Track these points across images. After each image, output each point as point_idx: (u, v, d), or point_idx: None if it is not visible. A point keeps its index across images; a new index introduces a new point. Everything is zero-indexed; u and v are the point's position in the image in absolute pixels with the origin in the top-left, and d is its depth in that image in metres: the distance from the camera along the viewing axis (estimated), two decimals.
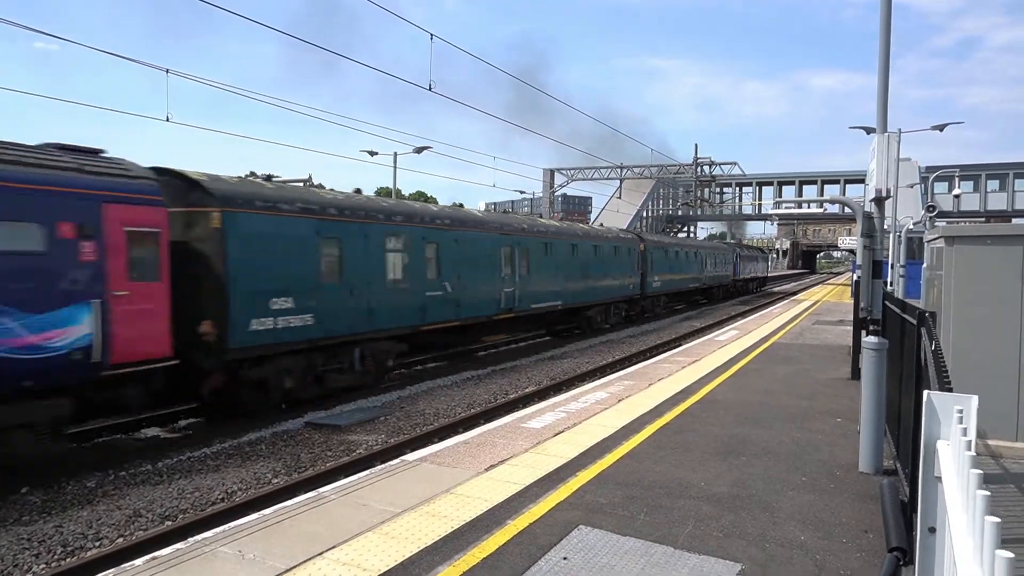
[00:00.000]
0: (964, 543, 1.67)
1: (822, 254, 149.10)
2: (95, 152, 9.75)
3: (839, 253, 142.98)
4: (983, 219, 49.40)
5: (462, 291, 16.79)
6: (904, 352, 6.30)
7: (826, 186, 63.08)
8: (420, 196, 72.72)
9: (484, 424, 9.71)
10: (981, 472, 1.74)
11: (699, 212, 65.66)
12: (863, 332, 7.30)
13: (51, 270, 8.59)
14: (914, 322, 5.54)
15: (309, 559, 4.80)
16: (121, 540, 7.11)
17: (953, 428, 2.41)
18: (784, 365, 13.95)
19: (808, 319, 25.08)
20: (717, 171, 60.61)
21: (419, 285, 15.29)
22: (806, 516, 5.66)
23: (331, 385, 13.23)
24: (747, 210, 67.49)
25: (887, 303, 8.29)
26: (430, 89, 20.02)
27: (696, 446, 7.79)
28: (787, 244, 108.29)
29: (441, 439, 9.83)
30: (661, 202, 69.08)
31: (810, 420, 9.12)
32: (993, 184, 52.68)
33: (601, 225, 33.05)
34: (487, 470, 6.88)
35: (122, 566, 4.84)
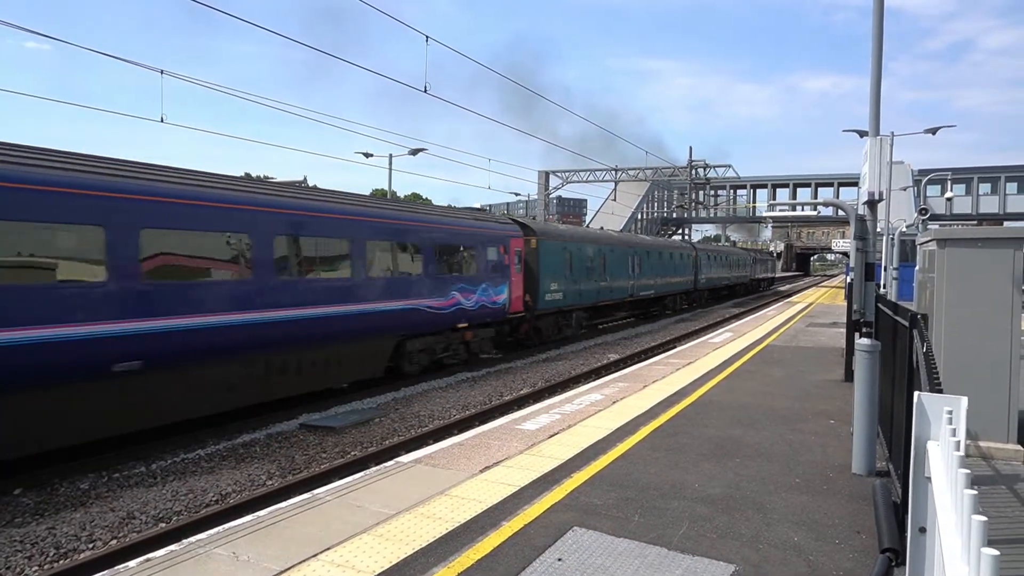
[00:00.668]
0: (952, 542, 1.69)
1: (816, 256, 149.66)
2: (484, 210, 21.85)
3: (833, 255, 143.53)
4: (975, 222, 49.71)
5: (613, 283, 26.95)
6: (896, 354, 6.35)
7: (820, 189, 63.40)
8: (416, 198, 72.71)
9: (479, 426, 9.72)
10: (969, 472, 1.76)
11: (694, 214, 65.86)
12: (856, 334, 7.34)
13: (500, 268, 18.49)
14: (906, 324, 5.58)
15: (304, 561, 4.80)
16: (114, 542, 7.09)
17: (943, 429, 2.44)
18: (778, 367, 14.00)
19: (802, 321, 25.17)
20: (711, 173, 60.84)
21: (598, 280, 25.54)
22: (799, 517, 5.69)
23: (564, 334, 23.47)
24: (741, 212, 67.74)
25: (880, 305, 8.34)
26: (425, 91, 20.03)
27: (690, 448, 7.82)
28: (781, 246, 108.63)
29: (436, 441, 9.84)
30: (656, 204, 69.27)
31: (803, 422, 9.16)
32: (985, 187, 53.04)
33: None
34: (482, 472, 6.89)
35: (115, 568, 4.83)
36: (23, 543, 6.99)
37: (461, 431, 10.28)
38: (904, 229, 28.06)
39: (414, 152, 33.95)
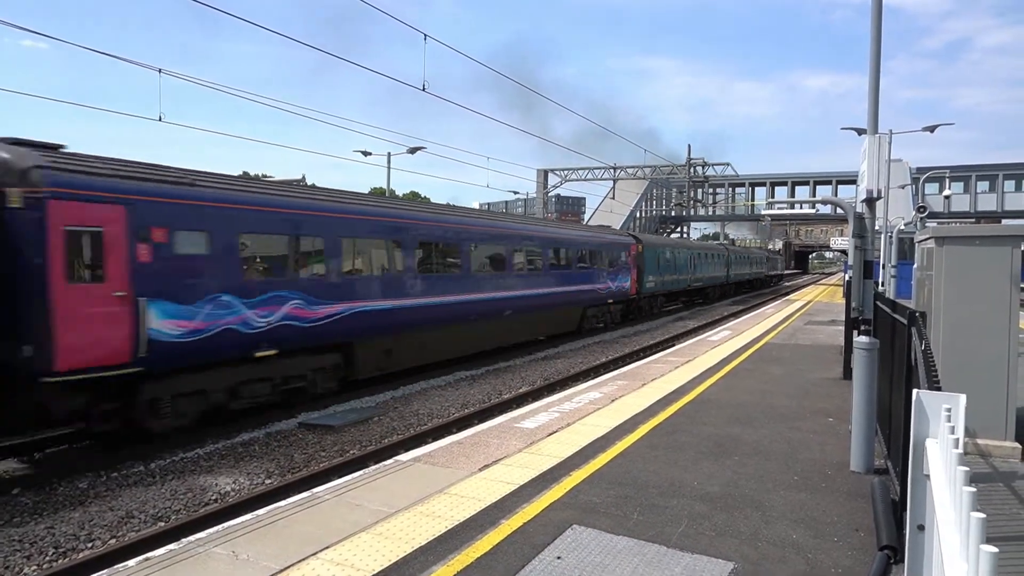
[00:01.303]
0: (951, 539, 1.69)
1: (814, 255, 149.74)
2: (609, 228, 34.82)
3: (831, 254, 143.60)
4: (973, 220, 49.76)
5: (679, 277, 35.91)
6: (895, 352, 6.36)
7: (818, 187, 63.42)
8: (414, 196, 72.66)
9: (478, 424, 9.72)
10: (968, 469, 1.77)
11: (692, 212, 65.86)
12: (854, 332, 7.34)
13: (626, 266, 27.86)
14: (905, 322, 5.59)
15: (303, 559, 4.80)
16: (113, 541, 7.08)
17: (941, 426, 2.44)
18: (776, 365, 14.01)
19: (800, 319, 25.20)
20: (710, 171, 60.85)
21: (672, 274, 34.56)
22: (798, 515, 5.70)
23: (652, 311, 32.63)
24: (740, 211, 67.75)
25: (878, 303, 8.34)
26: (423, 89, 20.02)
27: (689, 446, 7.82)
28: (779, 245, 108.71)
29: (435, 439, 9.83)
30: (654, 202, 69.27)
31: (802, 420, 9.17)
32: (983, 185, 53.07)
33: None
34: (481, 470, 6.89)
35: (115, 567, 4.83)
36: (22, 542, 6.99)
37: (460, 429, 10.28)
38: (902, 227, 28.10)
39: (413, 151, 33.92)
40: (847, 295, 11.54)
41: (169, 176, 10.26)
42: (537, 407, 10.13)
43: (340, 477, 7.24)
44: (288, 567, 4.68)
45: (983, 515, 1.44)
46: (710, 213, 69.21)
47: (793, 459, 7.33)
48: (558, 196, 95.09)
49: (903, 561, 3.55)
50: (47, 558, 6.75)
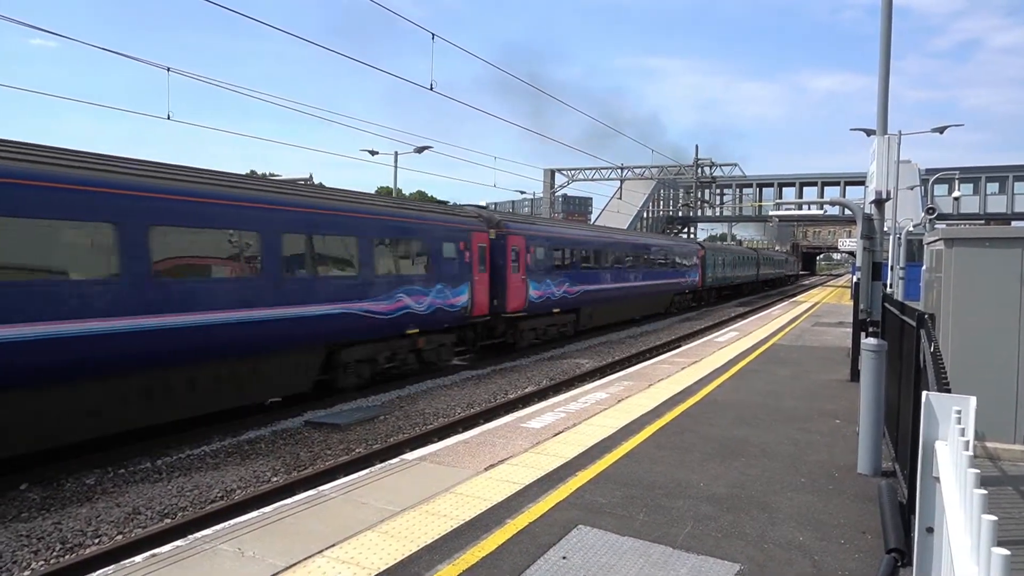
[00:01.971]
0: (961, 541, 1.68)
1: (822, 256, 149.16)
2: (688, 238, 53.75)
3: (839, 255, 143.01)
4: (983, 222, 49.44)
5: (725, 274, 45.61)
6: (903, 354, 6.32)
7: (826, 188, 63.12)
8: (421, 195, 72.75)
9: (483, 424, 9.72)
10: (978, 471, 1.75)
11: (700, 213, 65.69)
12: (862, 334, 7.31)
13: (696, 265, 38.88)
14: (913, 324, 5.55)
15: (308, 557, 4.81)
16: (120, 537, 7.12)
17: (951, 428, 2.42)
18: (783, 366, 13.96)
19: (807, 321, 25.10)
20: (717, 172, 60.65)
21: (723, 273, 44.74)
22: (804, 517, 5.67)
23: (710, 302, 42.81)
24: (747, 211, 67.53)
25: (886, 305, 8.31)
26: (431, 89, 20.04)
27: (695, 447, 7.80)
28: (787, 246, 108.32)
29: (441, 438, 9.84)
30: (661, 203, 69.11)
31: (809, 421, 9.13)
32: (993, 187, 52.72)
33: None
34: (487, 469, 6.89)
35: (121, 563, 4.85)
36: (29, 538, 7.03)
37: (466, 429, 10.29)
38: (911, 228, 27.94)
39: (420, 150, 33.97)
40: (855, 297, 11.49)
41: (518, 217, 22.81)
42: (543, 407, 10.12)
43: (346, 475, 7.25)
44: (294, 564, 4.68)
45: (995, 517, 1.43)
46: (717, 214, 69.00)
47: (800, 461, 7.30)
48: (565, 196, 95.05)
49: (911, 564, 3.53)
50: (54, 553, 6.78)
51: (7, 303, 7.94)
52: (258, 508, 6.09)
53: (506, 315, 18.60)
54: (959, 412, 2.49)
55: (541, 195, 63.81)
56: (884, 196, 9.24)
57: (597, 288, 24.64)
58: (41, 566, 6.50)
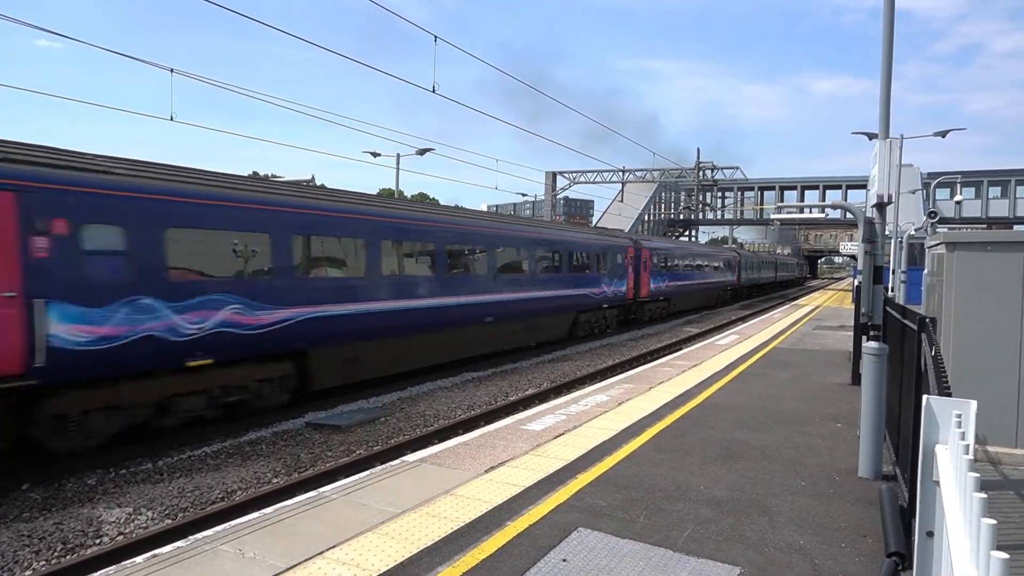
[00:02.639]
0: (961, 545, 1.68)
1: (823, 259, 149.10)
2: (728, 245, 67.09)
3: (840, 258, 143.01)
4: (984, 226, 49.39)
5: (754, 275, 56.90)
6: (904, 358, 6.32)
7: (828, 191, 63.13)
8: (423, 197, 72.78)
9: (484, 426, 9.72)
10: (978, 475, 1.76)
11: (701, 216, 65.69)
12: (863, 337, 7.31)
13: (734, 267, 48.36)
14: (915, 328, 5.55)
15: (309, 558, 4.81)
16: (121, 538, 7.12)
17: (952, 432, 2.43)
18: (784, 370, 13.96)
19: (808, 324, 25.08)
20: (719, 175, 60.64)
21: (755, 274, 56.69)
22: (805, 520, 5.67)
23: (742, 299, 51.72)
24: (748, 215, 67.53)
25: (888, 309, 8.31)
26: (433, 91, 20.06)
27: (696, 450, 7.80)
28: (788, 249, 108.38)
29: (441, 440, 9.85)
30: (663, 206, 69.10)
31: (810, 425, 9.13)
32: (995, 191, 52.68)
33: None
34: (487, 471, 6.89)
35: (122, 564, 4.86)
36: (31, 538, 7.03)
37: (467, 431, 10.29)
38: (913, 232, 27.92)
39: (422, 152, 34.00)
40: (856, 300, 11.48)
41: (643, 237, 33.17)
42: (544, 409, 10.12)
43: (347, 477, 7.25)
44: (294, 566, 4.69)
45: (994, 521, 1.43)
46: (719, 217, 68.99)
47: (801, 464, 7.30)
48: (566, 199, 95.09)
49: (911, 568, 3.53)
50: (55, 553, 6.79)
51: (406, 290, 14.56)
52: (259, 509, 6.10)
53: (639, 300, 29.02)
54: (959, 416, 2.50)
55: (542, 197, 63.83)
56: (886, 200, 9.23)
57: (680, 284, 34.80)
58: (42, 566, 6.51)
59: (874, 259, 7.59)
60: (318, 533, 5.26)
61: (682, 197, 68.62)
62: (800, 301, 42.97)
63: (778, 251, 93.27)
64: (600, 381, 14.11)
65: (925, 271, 11.73)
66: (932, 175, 47.40)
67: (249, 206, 10.97)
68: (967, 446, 2.12)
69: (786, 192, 64.75)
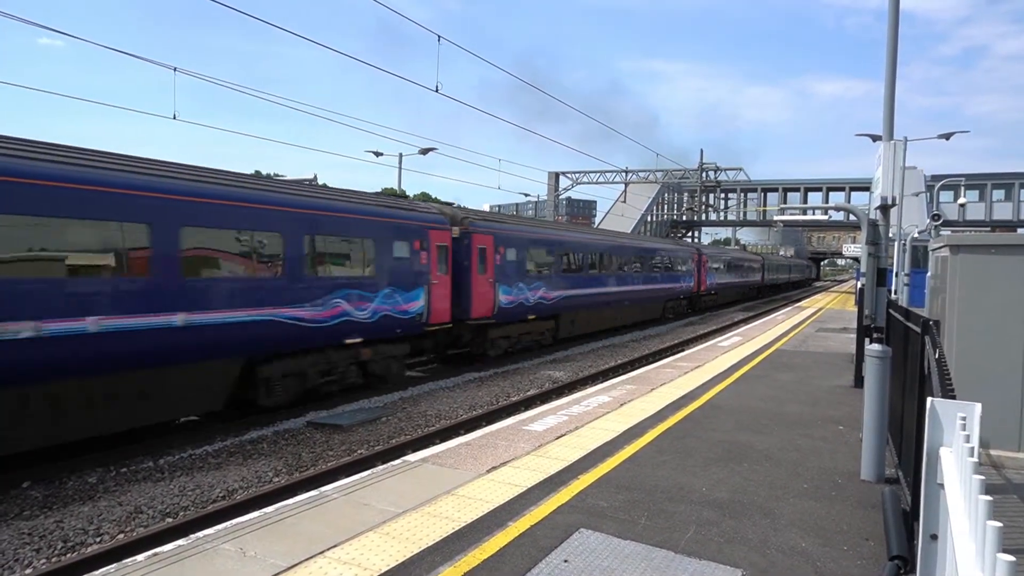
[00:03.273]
0: (966, 548, 1.67)
1: (826, 261, 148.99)
2: (758, 253, 71.92)
3: (843, 260, 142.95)
4: (988, 229, 49.28)
5: (773, 276, 66.70)
6: (907, 360, 6.30)
7: (831, 193, 63.00)
8: (425, 196, 72.83)
9: (486, 426, 9.72)
10: (983, 478, 1.74)
11: (704, 217, 65.63)
12: (866, 340, 7.29)
13: (760, 269, 59.66)
14: (918, 330, 5.54)
15: (310, 557, 4.81)
16: (122, 536, 7.12)
17: (956, 435, 2.41)
18: (787, 372, 13.93)
19: (811, 326, 25.04)
20: (722, 176, 60.57)
21: (775, 275, 67.61)
22: (807, 523, 5.65)
23: (769, 294, 64.54)
24: (751, 216, 67.44)
25: (891, 311, 8.28)
26: (436, 91, 20.06)
27: (698, 451, 7.78)
28: (791, 251, 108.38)
29: (443, 440, 9.85)
30: (666, 207, 69.06)
31: (812, 427, 9.11)
32: (999, 194, 52.56)
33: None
34: (488, 472, 6.88)
35: (123, 562, 4.85)
36: (31, 535, 7.04)
37: (468, 431, 10.28)
38: (916, 235, 27.86)
39: (424, 151, 34.00)
40: (859, 303, 11.45)
41: (703, 247, 44.28)
42: (545, 410, 10.11)
43: (348, 476, 7.25)
44: (295, 565, 4.68)
45: (999, 524, 1.42)
46: (722, 218, 68.93)
47: (803, 467, 7.28)
48: (568, 199, 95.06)
49: (914, 571, 3.51)
50: (56, 551, 6.79)
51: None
52: (260, 508, 6.10)
53: (700, 293, 38.33)
54: (964, 418, 2.48)
55: (545, 198, 63.80)
56: (889, 202, 9.20)
57: (726, 282, 45.43)
58: (43, 564, 6.51)
59: (878, 261, 7.56)
60: (319, 532, 5.26)
61: (685, 198, 68.58)
62: (803, 303, 42.90)
63: (781, 253, 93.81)
64: (602, 382, 14.09)
65: (929, 274, 11.70)
66: (936, 177, 47.28)
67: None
68: (972, 449, 2.11)
69: (789, 194, 64.64)
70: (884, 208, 7.92)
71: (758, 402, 10.70)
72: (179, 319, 9.77)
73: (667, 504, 6.01)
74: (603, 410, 9.94)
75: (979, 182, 51.96)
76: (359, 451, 10.22)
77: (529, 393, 14.46)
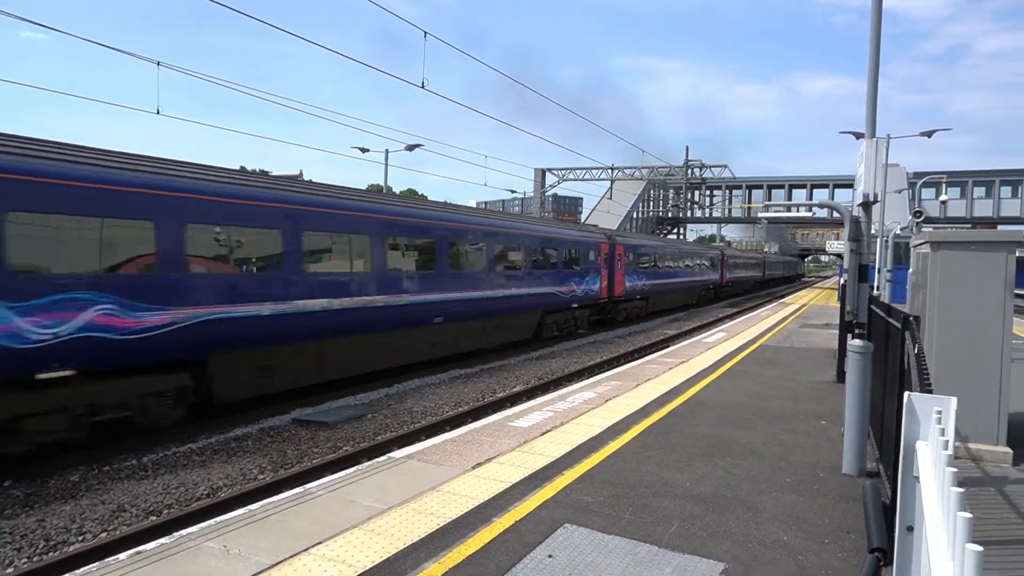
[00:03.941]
0: (939, 538, 1.70)
1: (810, 258, 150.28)
2: (762, 252, 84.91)
3: (827, 257, 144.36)
4: (969, 225, 49.91)
5: (774, 273, 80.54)
6: (889, 356, 6.38)
7: (815, 190, 63.55)
8: (412, 193, 72.60)
9: (471, 422, 9.72)
10: (956, 470, 1.78)
11: (689, 214, 65.97)
12: (848, 335, 7.37)
13: (761, 264, 71.23)
14: (899, 326, 5.60)
15: (295, 555, 4.80)
16: (104, 535, 7.07)
17: (932, 428, 2.45)
18: (770, 367, 14.05)
19: (795, 322, 25.25)
20: (707, 173, 60.89)
21: (781, 272, 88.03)
22: (789, 517, 5.72)
23: (768, 287, 76.02)
24: (736, 213, 67.86)
25: (872, 307, 8.38)
26: (423, 87, 20.01)
27: (682, 446, 7.84)
28: (775, 248, 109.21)
29: (428, 437, 9.85)
30: (651, 203, 69.30)
31: (795, 422, 9.20)
32: (979, 191, 53.24)
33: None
34: (474, 468, 6.90)
35: (106, 560, 4.82)
36: (12, 535, 6.97)
37: (454, 427, 10.29)
38: (898, 231, 28.17)
39: (411, 148, 33.90)
40: (842, 299, 11.57)
41: (726, 249, 56.46)
42: (531, 406, 10.14)
43: (333, 473, 7.23)
44: (280, 562, 4.67)
45: (970, 515, 1.45)
46: (707, 215, 69.32)
47: (786, 461, 7.35)
48: (555, 196, 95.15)
49: (892, 563, 3.56)
50: (38, 550, 6.73)
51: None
52: (244, 506, 6.08)
53: (722, 287, 47.89)
54: (940, 412, 2.53)
55: (532, 194, 63.83)
56: (872, 199, 9.32)
57: (740, 276, 52.97)
58: (24, 563, 6.45)
59: (860, 258, 7.66)
60: (304, 529, 5.25)
61: (670, 195, 68.87)
62: (786, 299, 43.23)
63: (766, 249, 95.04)
64: (587, 378, 14.15)
65: (910, 270, 11.83)
66: (918, 175, 47.81)
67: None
68: (946, 442, 2.15)
69: (774, 191, 65.16)
70: (866, 205, 8.01)
71: (742, 397, 10.79)
72: (502, 293, 18.95)
73: (651, 499, 6.06)
74: (588, 406, 9.98)
75: (960, 179, 52.60)
76: (345, 448, 10.20)
77: (515, 389, 14.48)
